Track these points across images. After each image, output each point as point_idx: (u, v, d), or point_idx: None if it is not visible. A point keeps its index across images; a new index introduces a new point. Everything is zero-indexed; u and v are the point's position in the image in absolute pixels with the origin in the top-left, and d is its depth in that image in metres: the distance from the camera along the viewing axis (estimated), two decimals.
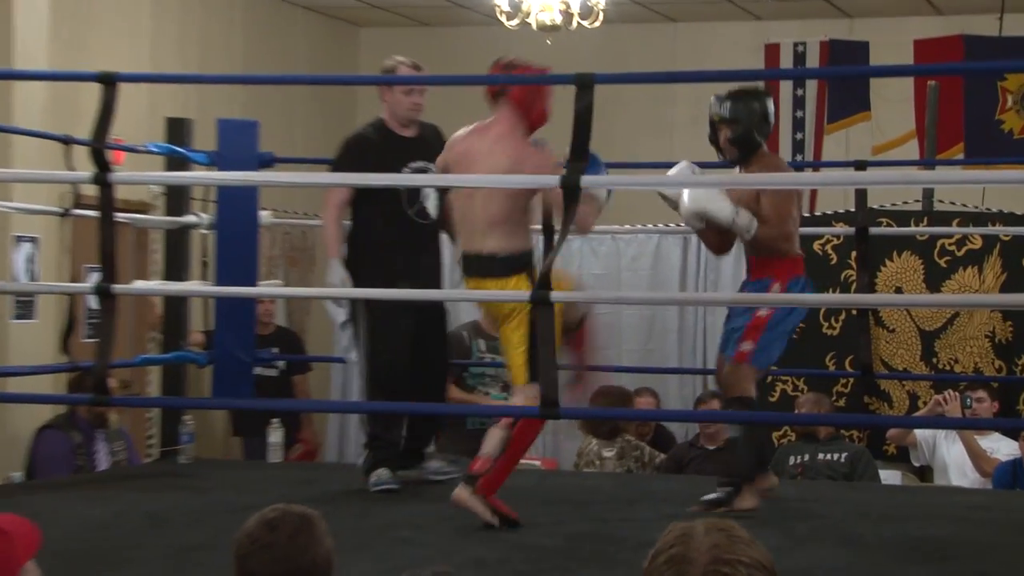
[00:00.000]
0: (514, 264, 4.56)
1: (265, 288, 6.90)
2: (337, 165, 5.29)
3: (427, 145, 5.33)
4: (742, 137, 4.92)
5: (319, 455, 8.40)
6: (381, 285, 5.03)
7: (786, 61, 10.15)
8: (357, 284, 5.13)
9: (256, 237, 6.26)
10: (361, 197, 5.20)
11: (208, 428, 8.41)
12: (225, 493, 5.23)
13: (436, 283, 5.41)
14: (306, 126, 10.11)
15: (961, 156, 9.52)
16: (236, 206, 6.11)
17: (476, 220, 4.59)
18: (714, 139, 5.02)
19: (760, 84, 5.37)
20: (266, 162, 6.22)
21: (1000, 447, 6.92)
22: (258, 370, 6.60)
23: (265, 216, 6.43)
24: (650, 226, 8.26)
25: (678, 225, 8.10)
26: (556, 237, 4.43)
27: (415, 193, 5.26)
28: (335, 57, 10.85)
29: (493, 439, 4.56)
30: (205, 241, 6.32)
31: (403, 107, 5.32)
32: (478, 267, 4.61)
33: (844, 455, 6.61)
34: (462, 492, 4.49)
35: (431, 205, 5.31)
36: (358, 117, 5.42)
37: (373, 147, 5.26)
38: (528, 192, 4.56)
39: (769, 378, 7.62)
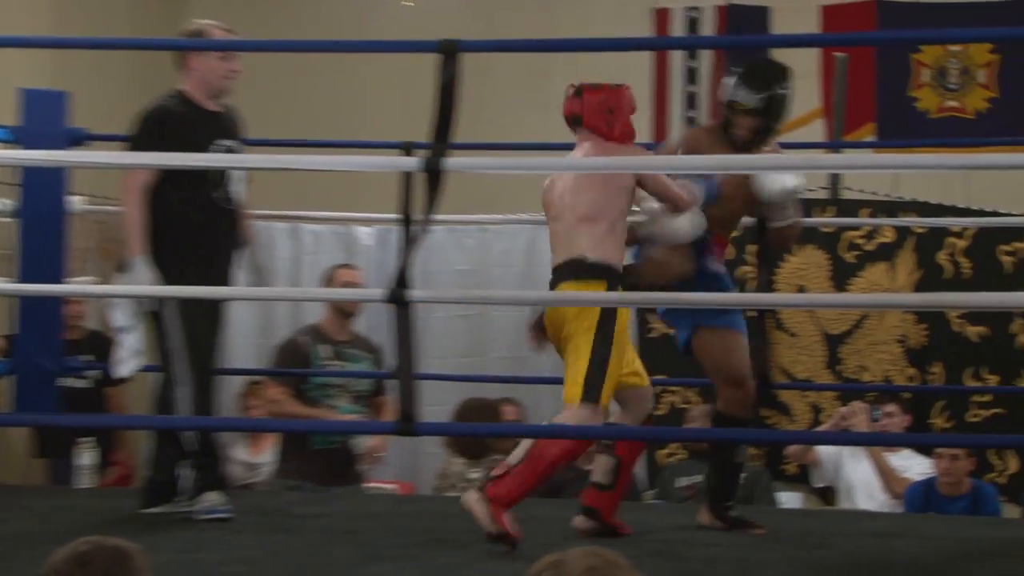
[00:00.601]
0: (598, 271, 4.74)
1: (75, 286, 6.81)
2: (138, 143, 5.15)
3: (231, 123, 5.35)
4: (767, 128, 5.17)
5: (137, 479, 8.32)
6: (189, 277, 4.99)
7: (677, 28, 10.26)
8: (164, 277, 5.06)
9: (65, 227, 6.19)
10: (164, 179, 5.14)
11: (6, 448, 8.29)
12: (27, 523, 5.16)
13: (232, 275, 5.39)
14: (125, 99, 9.96)
15: (872, 138, 9.70)
16: (42, 190, 6.04)
17: (562, 230, 4.84)
18: (730, 120, 5.19)
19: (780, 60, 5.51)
20: (77, 139, 6.14)
21: (912, 465, 7.09)
22: (66, 381, 6.52)
23: (76, 202, 6.35)
24: (523, 216, 8.28)
25: None
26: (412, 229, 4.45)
27: (220, 175, 5.23)
28: (161, 23, 10.75)
29: (520, 447, 4.70)
30: (5, 231, 6.23)
31: (218, 74, 5.26)
32: (563, 271, 4.81)
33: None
34: (469, 494, 4.64)
35: (237, 189, 5.28)
36: None
37: (178, 121, 5.19)
38: (613, 189, 4.75)
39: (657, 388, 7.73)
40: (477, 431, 7.01)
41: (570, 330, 4.74)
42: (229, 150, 5.25)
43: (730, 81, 5.21)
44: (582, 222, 4.79)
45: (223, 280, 5.24)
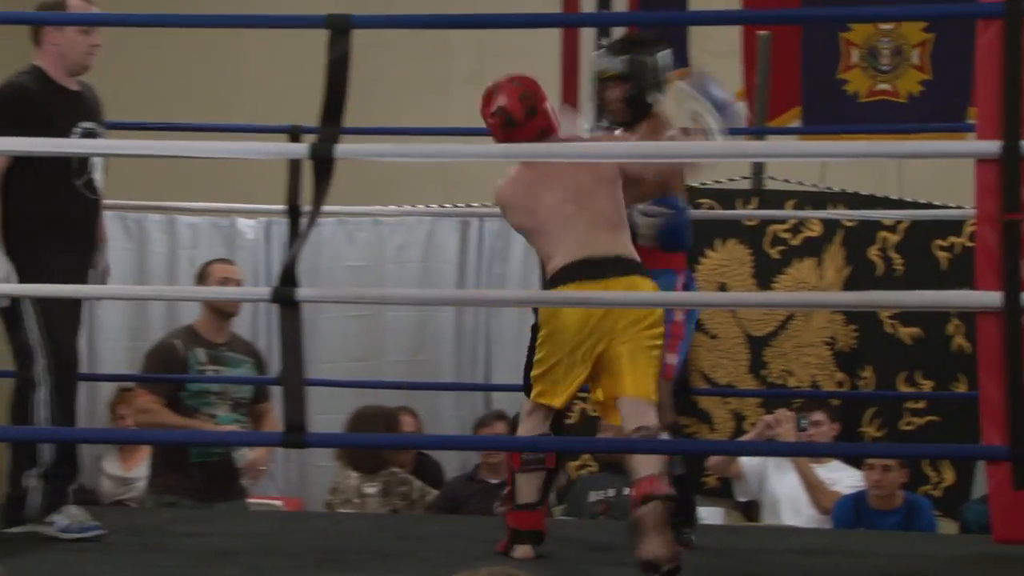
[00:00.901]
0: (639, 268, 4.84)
1: None
2: None
3: (93, 103, 5.33)
4: (637, 97, 5.18)
5: None
6: (48, 270, 4.96)
7: (588, 4, 10.30)
8: (19, 273, 5.04)
9: None
10: (19, 164, 5.11)
11: None
12: None
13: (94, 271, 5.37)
14: None
15: (797, 123, 9.77)
16: None
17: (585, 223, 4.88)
18: (600, 96, 5.25)
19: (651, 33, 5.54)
20: None
21: (841, 478, 7.16)
22: None
23: None
24: (421, 207, 8.28)
25: (456, 206, 8.17)
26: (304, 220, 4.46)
27: (84, 162, 5.20)
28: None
29: (643, 458, 4.62)
30: None
31: (79, 49, 5.22)
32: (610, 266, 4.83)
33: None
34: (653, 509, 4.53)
35: (99, 177, 5.26)
36: None
37: (36, 102, 5.15)
38: (609, 183, 4.88)
39: None
40: (372, 442, 7.00)
41: (637, 322, 4.76)
42: (90, 133, 5.22)
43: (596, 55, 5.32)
44: (607, 223, 4.87)
45: (84, 275, 5.21)
